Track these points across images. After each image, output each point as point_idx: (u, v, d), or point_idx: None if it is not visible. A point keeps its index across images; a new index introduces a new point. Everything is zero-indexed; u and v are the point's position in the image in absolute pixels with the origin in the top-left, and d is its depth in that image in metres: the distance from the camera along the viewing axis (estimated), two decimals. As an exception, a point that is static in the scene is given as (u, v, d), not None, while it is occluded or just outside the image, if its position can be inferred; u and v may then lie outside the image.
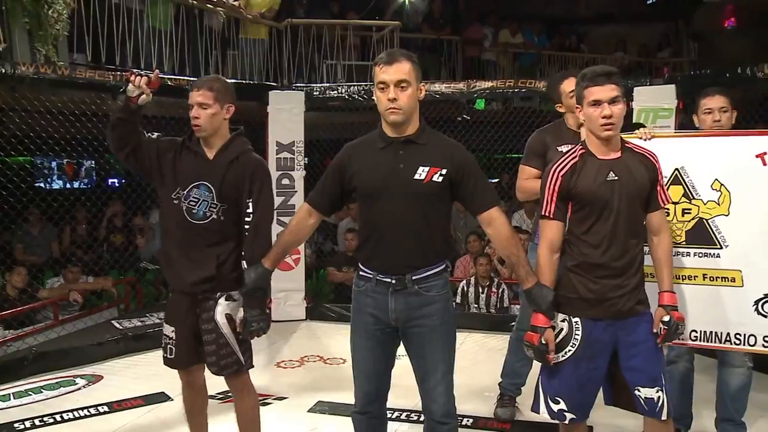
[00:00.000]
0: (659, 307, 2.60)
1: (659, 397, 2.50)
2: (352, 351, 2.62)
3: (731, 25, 10.45)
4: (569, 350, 2.54)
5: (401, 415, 3.75)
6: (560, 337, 2.55)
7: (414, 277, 2.45)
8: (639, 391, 2.51)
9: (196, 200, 2.76)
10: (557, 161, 2.58)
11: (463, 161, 2.47)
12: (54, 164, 10.08)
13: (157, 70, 2.85)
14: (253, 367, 2.89)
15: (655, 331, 2.55)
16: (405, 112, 2.40)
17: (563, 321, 2.56)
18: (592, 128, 2.50)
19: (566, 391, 2.57)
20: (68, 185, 10.19)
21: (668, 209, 2.95)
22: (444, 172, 2.42)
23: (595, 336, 2.51)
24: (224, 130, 2.82)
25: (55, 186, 10.02)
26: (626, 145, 2.57)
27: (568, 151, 2.62)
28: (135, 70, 2.86)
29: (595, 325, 2.51)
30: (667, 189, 2.95)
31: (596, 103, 2.45)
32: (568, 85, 3.39)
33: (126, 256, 6.98)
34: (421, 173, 2.41)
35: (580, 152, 2.55)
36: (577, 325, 2.53)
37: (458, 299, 6.04)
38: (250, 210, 2.73)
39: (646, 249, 2.65)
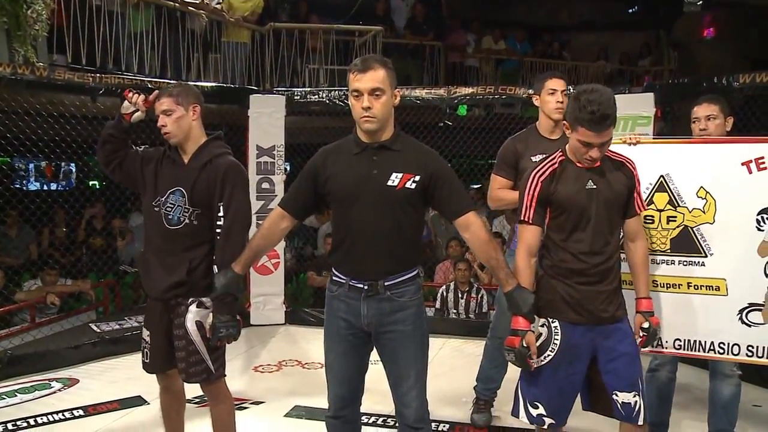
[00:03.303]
0: (638, 314, 2.63)
1: (636, 401, 2.52)
2: (325, 355, 2.62)
3: (710, 35, 10.59)
4: (548, 355, 2.56)
5: (378, 420, 3.76)
6: (539, 341, 2.57)
7: (386, 283, 2.46)
8: (617, 395, 2.53)
9: (172, 206, 2.78)
10: (536, 167, 2.60)
11: (437, 168, 2.47)
12: (31, 166, 9.99)
13: (156, 92, 2.85)
14: (225, 376, 2.88)
15: (636, 338, 2.59)
16: (379, 119, 2.41)
17: (542, 326, 2.58)
18: (576, 156, 2.53)
19: (545, 395, 2.58)
20: (46, 187, 10.10)
21: (653, 216, 2.97)
22: (417, 178, 2.43)
23: (574, 341, 2.53)
24: (197, 134, 2.83)
25: (32, 187, 9.94)
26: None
27: (546, 157, 2.64)
28: (131, 89, 2.88)
29: (575, 329, 2.53)
30: (652, 196, 2.99)
31: (587, 144, 2.44)
32: (553, 83, 3.43)
33: (105, 258, 6.92)
34: (395, 180, 2.42)
35: (560, 159, 2.57)
36: (556, 330, 2.55)
37: (438, 304, 6.06)
38: (221, 214, 2.73)
39: (623, 256, 2.69)
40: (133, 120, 2.85)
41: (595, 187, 2.51)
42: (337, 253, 2.55)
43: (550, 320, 2.57)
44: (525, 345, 2.50)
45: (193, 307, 2.77)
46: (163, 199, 2.79)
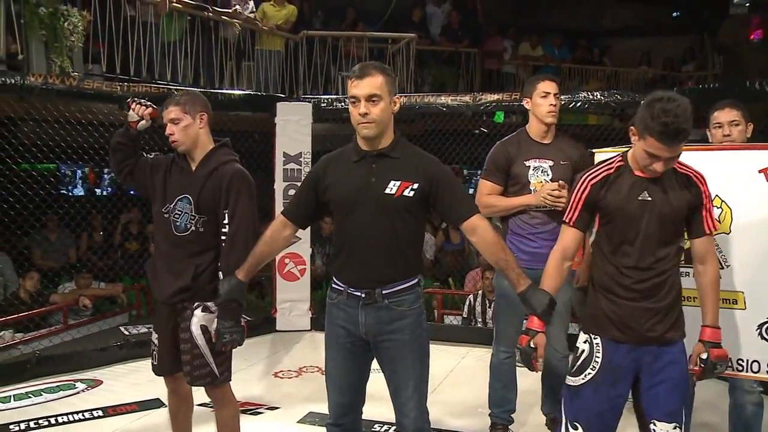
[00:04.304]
0: (699, 342, 2.45)
1: None
2: (325, 363, 2.63)
3: (757, 38, 10.25)
4: (589, 373, 2.42)
5: (389, 429, 3.72)
6: (581, 359, 2.45)
7: (384, 292, 2.44)
8: (654, 425, 2.36)
9: (180, 213, 2.82)
10: (591, 169, 2.49)
11: (436, 174, 2.44)
12: (78, 172, 10.33)
13: (151, 107, 2.92)
14: (230, 380, 2.90)
15: (692, 366, 2.43)
16: (376, 126, 2.39)
17: (585, 342, 2.46)
18: (639, 164, 2.36)
19: (584, 416, 2.44)
20: (88, 193, 10.40)
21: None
22: (416, 186, 2.40)
23: (617, 361, 2.39)
24: (204, 141, 2.87)
25: (78, 193, 10.25)
26: None
27: (604, 160, 2.52)
28: (136, 99, 2.95)
29: (617, 348, 2.39)
30: None
31: (653, 156, 2.27)
32: (546, 86, 3.35)
33: (132, 263, 7.06)
34: (392, 187, 2.40)
35: (618, 164, 2.43)
36: (597, 347, 2.42)
37: (465, 313, 6.00)
38: (226, 221, 2.76)
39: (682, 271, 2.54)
40: (139, 128, 2.91)
41: (650, 199, 2.34)
42: (336, 261, 2.55)
43: (593, 336, 2.45)
44: (532, 345, 2.40)
45: (198, 312, 2.80)
46: (171, 206, 2.84)
